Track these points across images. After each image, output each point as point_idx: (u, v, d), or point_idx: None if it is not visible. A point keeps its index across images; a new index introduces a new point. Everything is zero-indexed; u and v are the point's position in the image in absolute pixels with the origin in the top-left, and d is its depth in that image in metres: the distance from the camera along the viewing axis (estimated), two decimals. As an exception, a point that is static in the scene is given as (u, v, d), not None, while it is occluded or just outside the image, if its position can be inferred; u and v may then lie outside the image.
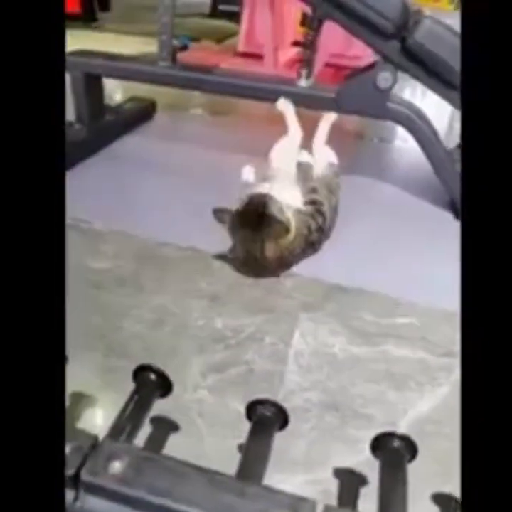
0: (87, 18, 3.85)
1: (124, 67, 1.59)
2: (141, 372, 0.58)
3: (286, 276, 1.22)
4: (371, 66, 1.44)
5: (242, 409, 0.88)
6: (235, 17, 3.97)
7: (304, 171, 1.30)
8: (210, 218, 1.38)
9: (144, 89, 1.91)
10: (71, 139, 1.68)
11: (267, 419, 0.53)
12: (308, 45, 1.45)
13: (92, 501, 0.41)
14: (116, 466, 0.41)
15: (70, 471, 0.41)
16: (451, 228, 1.47)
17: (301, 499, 0.40)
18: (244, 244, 1.15)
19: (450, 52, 1.22)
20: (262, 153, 1.40)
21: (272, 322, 1.08)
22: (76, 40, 3.37)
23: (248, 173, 1.23)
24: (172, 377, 0.74)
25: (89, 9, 3.88)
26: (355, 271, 1.26)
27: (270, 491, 0.41)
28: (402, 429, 0.85)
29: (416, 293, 1.19)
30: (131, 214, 1.44)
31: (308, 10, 3.01)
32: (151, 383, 0.57)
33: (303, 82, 1.48)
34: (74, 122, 1.71)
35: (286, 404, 0.71)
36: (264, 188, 1.13)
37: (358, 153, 2.10)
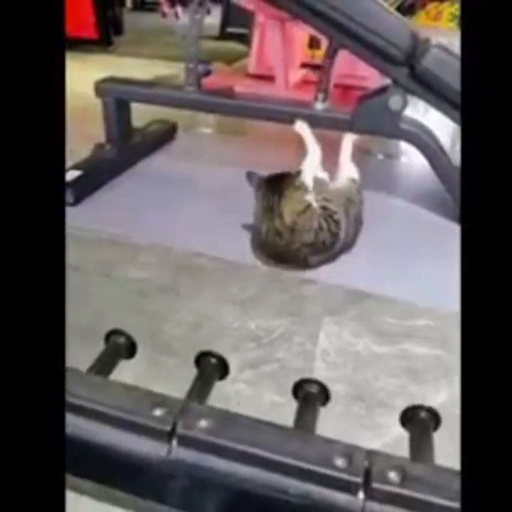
0: (103, 43, 4.00)
1: (153, 93, 1.72)
2: (203, 357, 0.68)
3: (309, 283, 1.33)
4: (383, 89, 1.56)
5: (276, 399, 0.98)
6: (243, 39, 4.12)
7: (318, 185, 1.40)
8: (235, 231, 1.50)
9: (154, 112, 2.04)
10: (103, 158, 1.80)
11: (312, 395, 0.63)
12: (324, 71, 1.58)
13: (184, 452, 0.51)
14: (203, 423, 0.51)
15: (165, 428, 0.51)
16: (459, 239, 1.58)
17: (355, 447, 0.50)
18: (266, 203, 1.31)
19: (456, 77, 1.34)
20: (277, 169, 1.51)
21: (298, 324, 1.18)
22: (94, 64, 3.52)
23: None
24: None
25: (105, 34, 4.04)
26: (373, 278, 1.36)
27: (328, 440, 0.51)
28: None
29: (430, 298, 1.29)
30: (164, 228, 1.55)
31: (315, 33, 3.15)
32: (211, 367, 0.67)
33: (319, 105, 1.60)
34: (105, 143, 1.84)
35: None
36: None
37: (366, 169, 2.21)
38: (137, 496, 0.55)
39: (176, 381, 0.81)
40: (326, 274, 1.34)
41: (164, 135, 2.13)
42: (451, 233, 1.65)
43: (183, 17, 6.52)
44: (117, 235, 1.50)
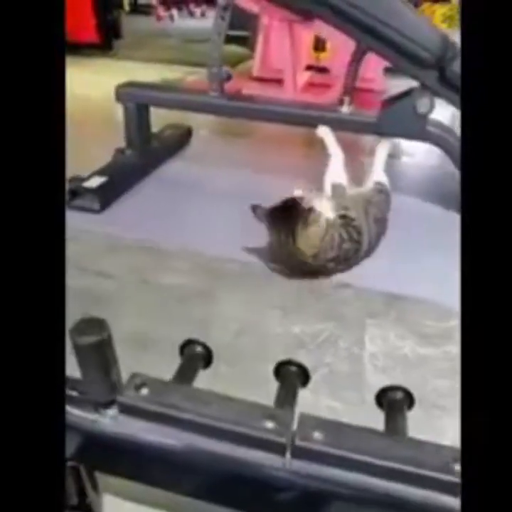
0: (105, 47, 3.98)
1: (176, 98, 1.71)
2: (282, 366, 0.68)
3: (345, 287, 1.33)
4: (407, 92, 1.57)
5: (333, 404, 0.99)
6: (243, 42, 4.12)
7: (336, 191, 1.39)
8: (263, 237, 1.51)
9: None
10: (125, 164, 1.80)
11: (397, 402, 0.63)
12: (350, 74, 1.58)
13: (301, 464, 0.51)
14: (317, 434, 0.51)
15: (281, 440, 0.51)
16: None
17: (455, 449, 0.50)
18: (279, 239, 1.27)
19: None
20: (295, 173, 1.51)
21: (342, 328, 1.18)
22: (98, 68, 3.50)
23: (299, 191, 1.33)
24: (266, 377, 0.84)
25: (106, 38, 4.01)
26: (403, 280, 1.37)
27: (441, 446, 0.51)
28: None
29: (455, 299, 1.30)
30: (191, 232, 1.55)
31: (321, 34, 3.15)
32: (293, 375, 0.67)
33: (345, 109, 1.61)
34: (125, 149, 1.83)
35: (370, 397, 0.81)
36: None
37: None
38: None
39: (238, 392, 0.81)
40: (359, 277, 1.35)
41: (180, 139, 2.13)
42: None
43: (178, 20, 6.49)
44: (146, 241, 1.49)
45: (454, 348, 1.15)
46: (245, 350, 1.09)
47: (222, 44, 1.67)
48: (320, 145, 1.56)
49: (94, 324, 0.53)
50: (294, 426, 0.53)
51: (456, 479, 0.48)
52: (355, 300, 1.29)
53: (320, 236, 1.24)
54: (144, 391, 0.56)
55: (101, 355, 0.53)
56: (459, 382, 1.05)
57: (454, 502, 0.49)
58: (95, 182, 1.63)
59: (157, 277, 1.33)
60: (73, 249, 1.19)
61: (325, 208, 1.30)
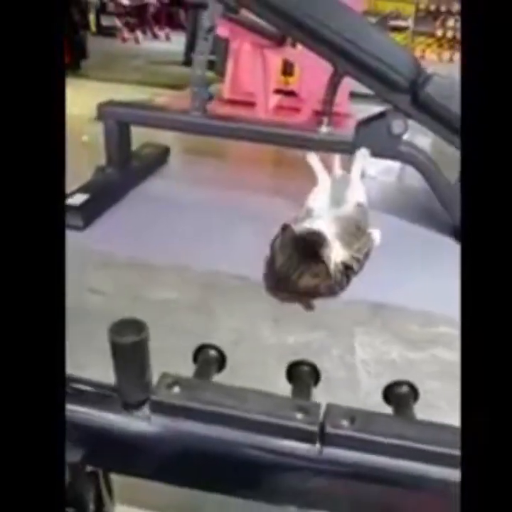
0: (73, 66, 3.99)
1: (159, 117, 1.75)
2: (294, 367, 0.71)
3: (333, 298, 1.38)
4: (381, 114, 1.67)
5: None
6: (210, 66, 4.20)
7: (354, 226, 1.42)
8: (247, 249, 1.54)
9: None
10: (107, 181, 1.81)
11: (404, 396, 0.68)
12: (329, 96, 1.67)
13: (334, 452, 0.54)
14: (345, 422, 0.55)
15: (312, 428, 0.54)
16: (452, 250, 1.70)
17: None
18: (285, 261, 1.31)
19: (458, 104, 1.46)
20: (269, 190, 1.56)
21: (333, 337, 1.23)
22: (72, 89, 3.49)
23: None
24: (266, 385, 0.87)
25: (74, 58, 4.03)
26: (389, 291, 1.43)
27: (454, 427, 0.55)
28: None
29: (444, 306, 1.37)
30: (175, 248, 1.57)
31: (290, 59, 3.26)
32: (306, 375, 0.70)
33: (324, 129, 1.68)
34: (106, 166, 1.84)
35: (369, 401, 0.86)
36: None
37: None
38: (283, 503, 0.58)
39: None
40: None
41: (159, 158, 2.15)
42: (440, 244, 1.76)
43: (143, 42, 6.52)
44: (132, 257, 1.50)
45: (440, 352, 1.22)
46: (240, 359, 1.11)
47: (206, 64, 1.73)
48: (290, 164, 1.61)
49: (133, 325, 0.55)
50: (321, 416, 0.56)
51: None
52: (344, 310, 1.33)
53: (319, 285, 1.29)
54: (176, 389, 0.58)
55: (139, 355, 0.55)
56: (445, 383, 1.11)
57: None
58: (78, 199, 1.64)
59: (148, 292, 1.34)
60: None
61: (336, 253, 1.33)
